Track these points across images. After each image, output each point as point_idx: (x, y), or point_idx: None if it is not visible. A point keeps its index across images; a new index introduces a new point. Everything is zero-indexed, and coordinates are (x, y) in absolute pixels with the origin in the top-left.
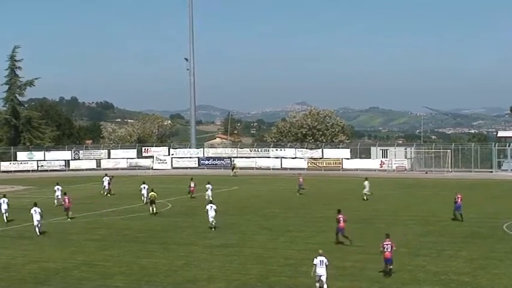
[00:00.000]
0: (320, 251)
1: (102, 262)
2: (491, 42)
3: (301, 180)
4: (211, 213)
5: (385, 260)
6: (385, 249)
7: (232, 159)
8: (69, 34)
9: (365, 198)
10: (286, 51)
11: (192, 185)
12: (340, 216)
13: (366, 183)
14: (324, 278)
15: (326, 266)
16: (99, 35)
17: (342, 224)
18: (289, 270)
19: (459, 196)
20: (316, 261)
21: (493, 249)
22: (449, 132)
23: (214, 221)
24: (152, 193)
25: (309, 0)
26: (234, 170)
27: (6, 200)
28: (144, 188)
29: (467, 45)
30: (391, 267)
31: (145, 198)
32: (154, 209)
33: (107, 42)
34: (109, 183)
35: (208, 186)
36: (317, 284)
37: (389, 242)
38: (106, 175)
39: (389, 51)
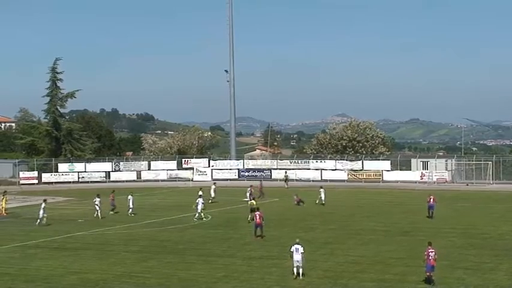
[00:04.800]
0: (297, 240)
1: (141, 274)
2: None
3: (321, 190)
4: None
5: (430, 266)
6: (430, 257)
7: (286, 171)
8: (109, 46)
9: (323, 203)
10: (326, 62)
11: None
12: (257, 213)
13: (322, 190)
14: (300, 264)
15: (302, 253)
16: (138, 46)
17: (258, 220)
18: (328, 282)
19: (432, 197)
20: (293, 248)
21: None
22: (490, 144)
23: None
24: (252, 201)
25: (349, 12)
26: (287, 182)
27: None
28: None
29: (508, 56)
30: (431, 274)
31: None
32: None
33: (147, 54)
34: (214, 191)
35: (129, 197)
36: (294, 269)
37: (433, 250)
38: (214, 183)
39: (429, 64)
